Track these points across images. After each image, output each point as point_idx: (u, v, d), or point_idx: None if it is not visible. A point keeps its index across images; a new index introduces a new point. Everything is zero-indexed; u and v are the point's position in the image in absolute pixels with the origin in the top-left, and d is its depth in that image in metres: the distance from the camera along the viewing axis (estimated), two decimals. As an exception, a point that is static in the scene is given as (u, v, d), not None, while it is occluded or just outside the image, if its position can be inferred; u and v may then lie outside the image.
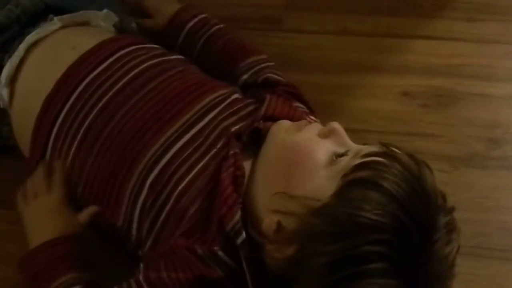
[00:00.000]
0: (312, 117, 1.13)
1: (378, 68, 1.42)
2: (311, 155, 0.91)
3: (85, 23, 1.21)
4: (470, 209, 1.21)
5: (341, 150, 0.91)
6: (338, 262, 0.80)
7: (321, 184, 0.88)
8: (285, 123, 1.00)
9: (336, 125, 0.94)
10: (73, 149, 1.04)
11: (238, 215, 0.92)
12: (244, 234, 0.91)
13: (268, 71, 1.21)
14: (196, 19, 1.27)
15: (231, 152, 0.98)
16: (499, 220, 1.21)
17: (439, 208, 0.83)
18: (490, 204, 1.23)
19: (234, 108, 1.07)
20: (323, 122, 1.00)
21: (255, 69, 1.22)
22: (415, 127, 1.33)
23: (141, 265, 0.96)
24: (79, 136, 1.04)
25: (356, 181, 0.84)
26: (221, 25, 1.27)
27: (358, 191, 0.83)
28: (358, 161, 0.86)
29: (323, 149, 0.91)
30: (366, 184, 0.83)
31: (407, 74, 1.40)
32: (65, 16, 1.18)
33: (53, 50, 1.14)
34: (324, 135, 0.94)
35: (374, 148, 0.89)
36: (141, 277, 0.93)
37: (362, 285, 0.79)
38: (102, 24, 1.23)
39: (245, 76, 1.21)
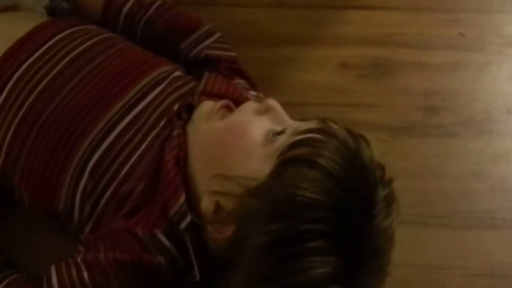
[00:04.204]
0: (254, 93, 1.12)
1: (314, 40, 1.41)
2: (246, 135, 0.90)
3: (14, 7, 1.17)
4: (410, 178, 1.22)
5: (278, 127, 0.90)
6: (277, 241, 0.79)
7: (258, 163, 0.87)
8: (207, 105, 0.99)
9: (272, 101, 0.94)
10: (9, 134, 1.01)
11: (182, 198, 0.91)
12: (189, 217, 0.90)
13: (210, 47, 1.20)
14: (130, 3, 1.21)
15: (175, 132, 0.97)
16: (439, 187, 1.23)
17: (377, 181, 0.83)
18: (430, 172, 1.24)
19: (175, 85, 1.05)
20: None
21: (198, 47, 1.20)
22: (353, 98, 1.33)
23: (80, 247, 0.95)
24: (16, 121, 1.01)
25: (292, 159, 0.83)
26: (158, 3, 1.22)
27: (294, 170, 0.82)
28: (294, 138, 0.85)
29: (259, 127, 0.91)
30: (302, 162, 0.82)
31: (344, 45, 1.39)
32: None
33: None
34: (260, 113, 0.93)
35: (311, 125, 0.88)
36: (79, 258, 0.92)
37: (301, 263, 0.79)
38: (32, 6, 1.19)
39: (188, 55, 1.20)
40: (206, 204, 0.89)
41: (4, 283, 0.98)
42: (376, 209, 0.82)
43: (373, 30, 1.42)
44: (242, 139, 0.91)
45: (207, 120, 0.97)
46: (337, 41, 1.41)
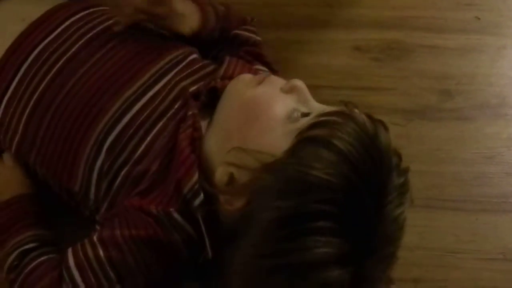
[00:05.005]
0: None
1: (329, 23, 1.40)
2: (269, 109, 0.90)
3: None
4: (424, 161, 1.22)
5: (302, 108, 0.90)
6: (285, 218, 0.80)
7: (276, 139, 0.87)
8: (246, 76, 0.99)
9: (298, 82, 0.93)
10: (25, 115, 1.02)
11: (196, 177, 0.91)
12: (202, 195, 0.91)
13: (241, 28, 1.20)
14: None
15: (190, 113, 0.97)
16: (453, 171, 1.22)
17: (392, 168, 0.83)
18: (444, 156, 1.24)
19: (192, 69, 1.06)
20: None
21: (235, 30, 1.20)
22: (368, 81, 1.33)
23: (97, 226, 0.96)
24: (32, 102, 1.02)
25: (309, 139, 0.83)
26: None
27: (310, 149, 0.82)
28: (314, 120, 0.86)
29: (283, 104, 0.91)
30: (319, 142, 0.82)
31: (358, 28, 1.39)
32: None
33: (1, 24, 1.11)
34: (286, 91, 0.93)
35: (334, 108, 0.88)
36: (95, 237, 0.93)
37: (306, 242, 0.79)
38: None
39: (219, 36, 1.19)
40: (220, 174, 0.90)
41: (38, 260, 1.00)
42: (389, 197, 0.81)
43: (388, 13, 1.41)
44: (265, 113, 0.91)
45: (246, 85, 0.97)
46: (352, 24, 1.40)
